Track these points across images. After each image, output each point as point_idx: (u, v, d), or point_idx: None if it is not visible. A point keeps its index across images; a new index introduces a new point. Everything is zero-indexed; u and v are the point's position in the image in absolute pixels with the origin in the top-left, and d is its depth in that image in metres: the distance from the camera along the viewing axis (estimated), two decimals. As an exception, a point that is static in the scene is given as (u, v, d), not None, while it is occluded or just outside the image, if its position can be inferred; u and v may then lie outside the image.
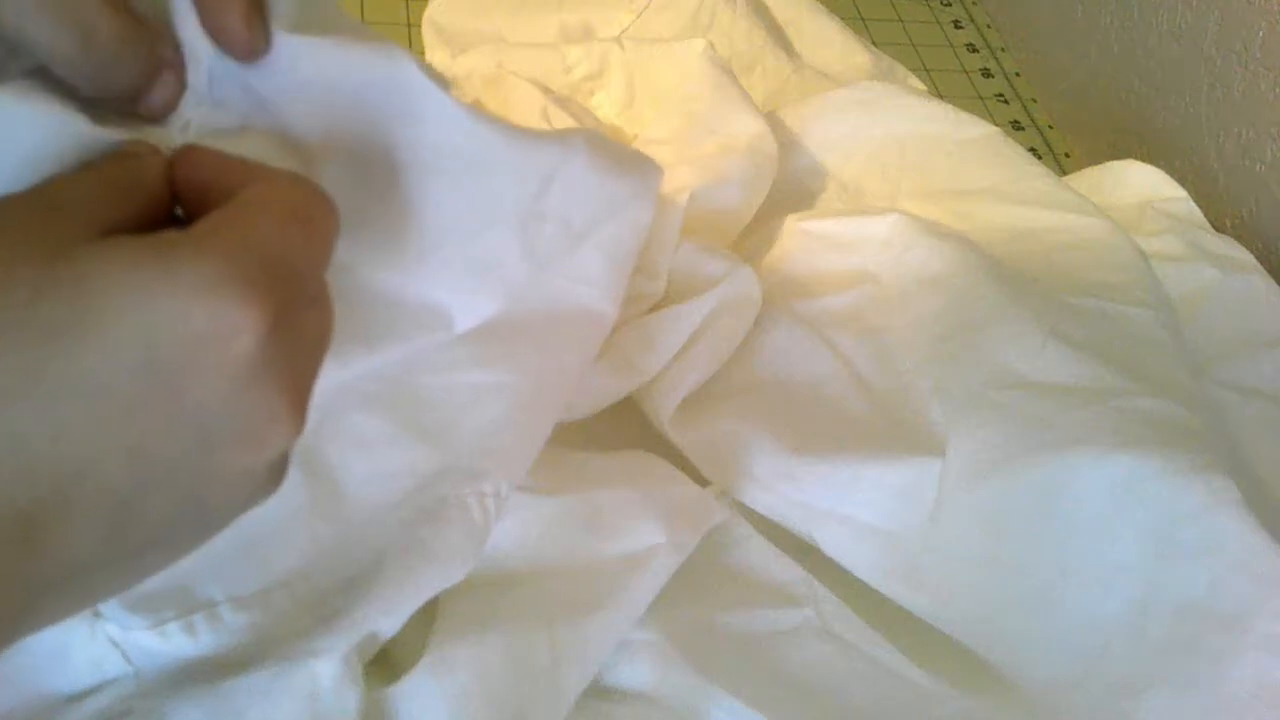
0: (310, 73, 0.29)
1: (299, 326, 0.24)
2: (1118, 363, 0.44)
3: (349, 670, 0.31)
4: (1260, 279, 0.55)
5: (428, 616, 0.35)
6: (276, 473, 0.26)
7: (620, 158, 0.38)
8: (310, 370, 0.25)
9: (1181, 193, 0.60)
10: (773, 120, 0.55)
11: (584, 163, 0.36)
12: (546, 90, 0.55)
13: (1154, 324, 0.47)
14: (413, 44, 0.65)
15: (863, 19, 0.76)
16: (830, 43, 0.67)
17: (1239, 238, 0.58)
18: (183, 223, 0.26)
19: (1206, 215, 0.59)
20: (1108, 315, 0.47)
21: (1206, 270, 0.54)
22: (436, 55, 0.62)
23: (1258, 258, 0.56)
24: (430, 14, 0.64)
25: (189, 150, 0.26)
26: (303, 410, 0.25)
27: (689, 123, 0.53)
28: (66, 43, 0.25)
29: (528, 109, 0.54)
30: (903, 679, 0.41)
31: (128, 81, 0.27)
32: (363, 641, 0.32)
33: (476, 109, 0.31)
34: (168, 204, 0.26)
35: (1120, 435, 0.41)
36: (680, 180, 0.49)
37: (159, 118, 0.28)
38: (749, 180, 0.51)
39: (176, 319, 0.22)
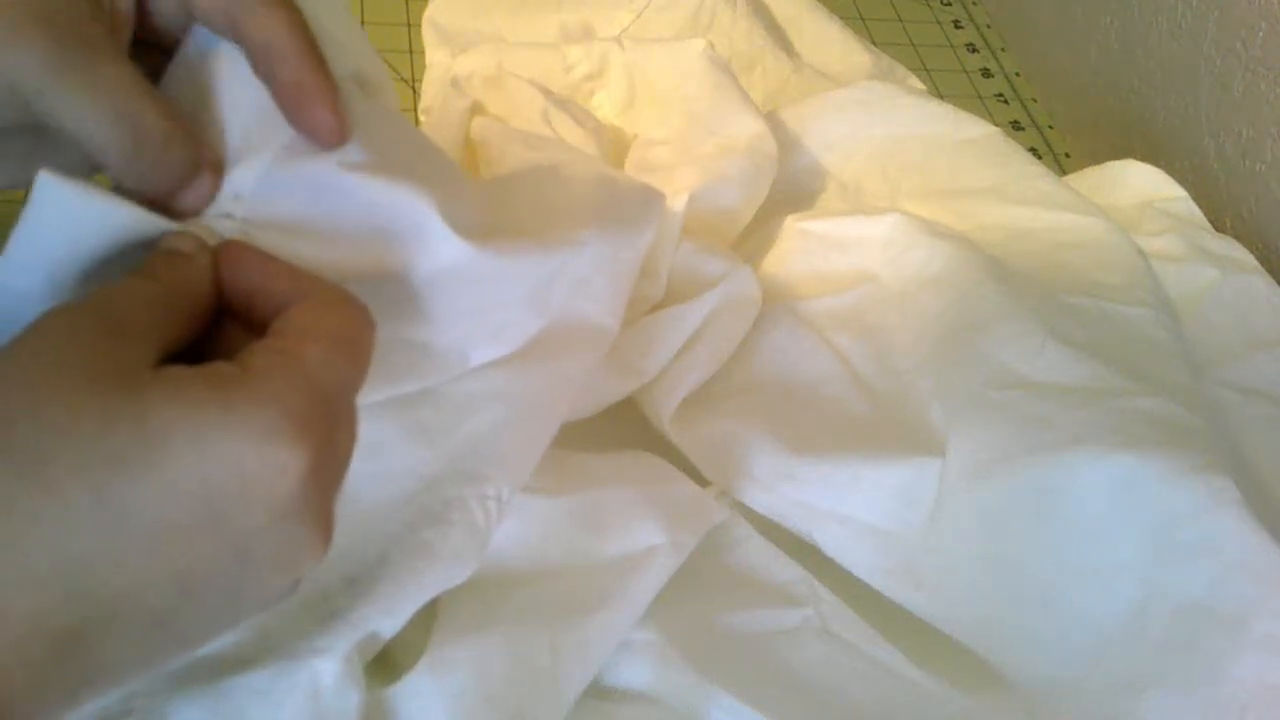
0: (347, 192, 0.30)
1: (336, 450, 0.26)
2: (1118, 363, 0.44)
3: (350, 670, 0.31)
4: (1260, 279, 0.55)
5: (428, 617, 0.35)
6: (297, 583, 0.27)
7: (628, 207, 0.41)
8: (337, 487, 0.26)
9: (1181, 193, 0.60)
10: (773, 120, 0.55)
11: (596, 244, 0.38)
12: (547, 91, 0.55)
13: (1154, 324, 0.47)
14: (413, 44, 0.65)
15: (863, 19, 0.76)
16: (830, 43, 0.67)
17: (1239, 238, 0.58)
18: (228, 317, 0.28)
19: (1206, 215, 0.59)
20: (1107, 315, 0.47)
21: (1206, 270, 0.54)
22: (436, 55, 0.62)
23: (1258, 258, 0.56)
24: (430, 14, 0.64)
25: (235, 248, 0.28)
26: (329, 534, 0.26)
27: (689, 123, 0.53)
28: (119, 140, 0.27)
29: (528, 110, 0.54)
30: (903, 679, 0.41)
31: (169, 181, 0.28)
32: (364, 641, 0.32)
33: (491, 245, 0.33)
34: (215, 303, 0.27)
35: (1120, 435, 0.41)
36: (680, 180, 0.49)
37: (190, 215, 0.29)
38: (749, 180, 0.51)
39: (230, 461, 0.23)
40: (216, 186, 0.29)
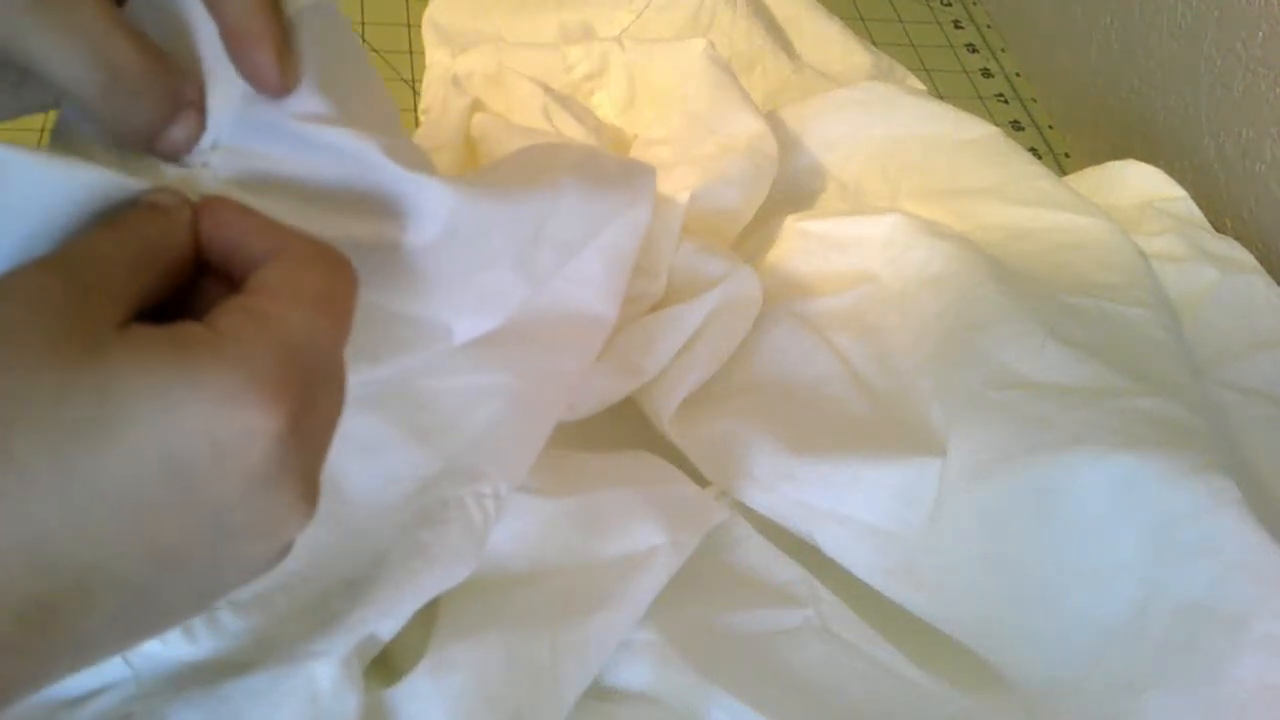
0: (319, 139, 0.29)
1: (315, 411, 0.25)
2: (1118, 363, 0.44)
3: (348, 672, 0.31)
4: (1260, 279, 0.55)
5: (428, 617, 0.35)
6: (284, 550, 0.27)
7: (610, 171, 0.39)
8: (322, 449, 0.25)
9: (1181, 193, 0.60)
10: (773, 120, 0.55)
11: (575, 195, 0.36)
12: (547, 89, 0.55)
13: (1154, 324, 0.47)
14: (413, 44, 0.65)
15: (863, 19, 0.76)
16: (830, 43, 0.67)
17: (1239, 238, 0.58)
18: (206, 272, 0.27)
19: (1206, 215, 0.59)
20: (1108, 315, 0.47)
21: (1206, 270, 0.54)
22: (436, 55, 0.62)
23: (1258, 258, 0.56)
24: (430, 14, 0.64)
25: (216, 205, 0.27)
26: (314, 498, 0.25)
27: (689, 123, 0.53)
28: (92, 78, 0.26)
29: (529, 107, 0.54)
30: (903, 679, 0.41)
31: (149, 119, 0.27)
32: (362, 643, 0.32)
33: (463, 181, 0.32)
34: (194, 258, 0.26)
35: (1120, 435, 0.41)
36: (680, 180, 0.49)
37: (175, 157, 0.28)
38: (749, 180, 0.51)
39: (197, 427, 0.22)
40: (201, 126, 0.28)
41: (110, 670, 0.31)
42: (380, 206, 0.31)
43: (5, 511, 0.21)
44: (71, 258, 0.24)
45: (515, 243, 0.35)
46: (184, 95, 0.27)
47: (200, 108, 0.28)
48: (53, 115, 0.29)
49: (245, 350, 0.23)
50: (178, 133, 0.28)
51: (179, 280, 0.26)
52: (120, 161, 0.27)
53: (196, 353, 0.23)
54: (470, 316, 0.34)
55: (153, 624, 0.24)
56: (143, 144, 0.27)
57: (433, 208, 0.31)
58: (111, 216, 0.25)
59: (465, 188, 0.32)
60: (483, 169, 0.44)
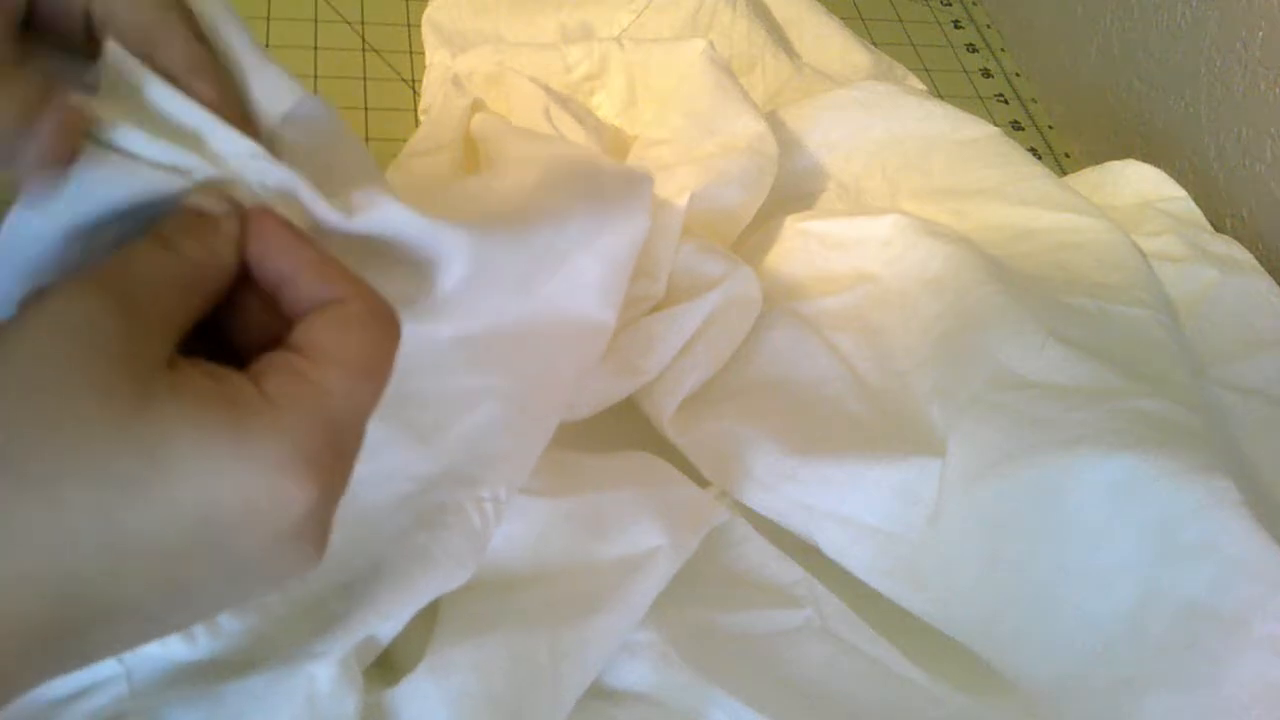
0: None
1: (343, 474, 0.25)
2: (1118, 363, 0.44)
3: (347, 673, 0.31)
4: (1260, 279, 0.55)
5: (428, 618, 0.35)
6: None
7: (610, 182, 0.40)
8: (336, 506, 0.26)
9: (1181, 193, 0.60)
10: (773, 120, 0.55)
11: (580, 218, 0.37)
12: (548, 89, 0.55)
13: (1154, 324, 0.47)
14: (413, 44, 0.65)
15: (863, 19, 0.76)
16: (830, 43, 0.67)
17: (1239, 238, 0.58)
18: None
19: (1206, 215, 0.59)
20: (1108, 315, 0.47)
21: (1206, 270, 0.54)
22: (436, 55, 0.62)
23: (1258, 258, 0.56)
24: (430, 14, 0.64)
25: (265, 223, 0.26)
26: (324, 550, 0.26)
27: (689, 123, 0.53)
28: None
29: (529, 107, 0.54)
30: (903, 679, 0.41)
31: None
32: (361, 645, 0.32)
33: (475, 226, 0.32)
34: (237, 271, 0.26)
35: (1120, 435, 0.41)
36: (680, 181, 0.49)
37: (54, 159, 0.25)
38: (749, 180, 0.51)
39: (239, 491, 0.23)
40: (76, 126, 0.24)
41: (103, 669, 0.31)
42: (405, 257, 0.31)
43: (47, 551, 0.22)
44: (119, 280, 0.24)
45: (522, 270, 0.35)
46: (43, 97, 0.24)
47: (74, 109, 0.25)
48: None
49: (294, 423, 0.24)
50: (43, 138, 0.24)
51: (220, 299, 0.26)
52: (164, 123, 0.26)
53: (247, 421, 0.23)
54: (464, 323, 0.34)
55: (154, 637, 0.25)
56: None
57: (450, 254, 0.31)
58: (157, 226, 0.25)
59: (479, 231, 0.32)
60: (485, 180, 0.44)
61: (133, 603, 0.23)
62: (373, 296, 0.26)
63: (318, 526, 0.25)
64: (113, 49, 0.26)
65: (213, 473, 0.23)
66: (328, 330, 0.25)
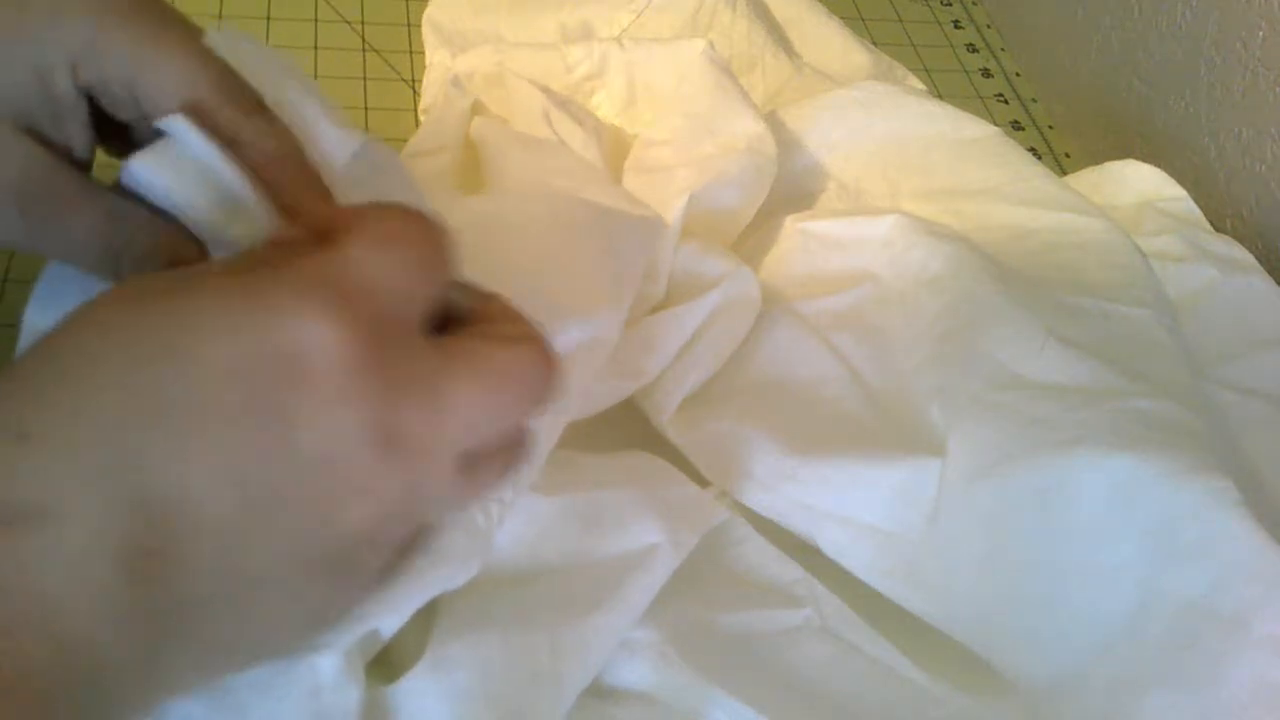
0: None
1: (389, 346, 0.24)
2: (1118, 363, 0.44)
3: (350, 666, 0.31)
4: (1260, 279, 0.55)
5: (428, 615, 0.35)
6: (410, 528, 0.28)
7: (624, 229, 0.42)
8: (410, 402, 0.25)
9: (1181, 193, 0.60)
10: (773, 120, 0.55)
11: (605, 315, 0.39)
12: (547, 91, 0.55)
13: (1154, 324, 0.47)
14: (413, 44, 0.65)
15: (863, 19, 0.76)
16: (830, 43, 0.67)
17: (1239, 238, 0.58)
18: None
19: (1206, 215, 0.59)
20: (1108, 315, 0.47)
21: (1206, 270, 0.54)
22: (436, 55, 0.62)
23: (1258, 258, 0.56)
24: (430, 14, 0.64)
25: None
26: (399, 448, 0.24)
27: (689, 123, 0.53)
28: (92, 264, 0.31)
29: (529, 109, 0.54)
30: (903, 679, 0.41)
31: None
32: (364, 638, 0.32)
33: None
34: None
35: (1120, 436, 0.41)
36: (680, 180, 0.49)
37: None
38: (749, 181, 0.51)
39: (260, 337, 0.23)
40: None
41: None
42: None
43: (102, 440, 0.22)
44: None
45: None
46: (182, 258, 0.30)
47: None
48: None
49: (301, 269, 0.24)
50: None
51: None
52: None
53: (258, 272, 0.24)
54: None
55: (254, 593, 0.24)
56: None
57: None
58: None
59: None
60: (486, 205, 0.44)
61: (202, 502, 0.23)
62: (401, 206, 0.27)
63: (369, 394, 0.24)
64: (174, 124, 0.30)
65: (229, 319, 0.23)
66: (359, 217, 0.26)
